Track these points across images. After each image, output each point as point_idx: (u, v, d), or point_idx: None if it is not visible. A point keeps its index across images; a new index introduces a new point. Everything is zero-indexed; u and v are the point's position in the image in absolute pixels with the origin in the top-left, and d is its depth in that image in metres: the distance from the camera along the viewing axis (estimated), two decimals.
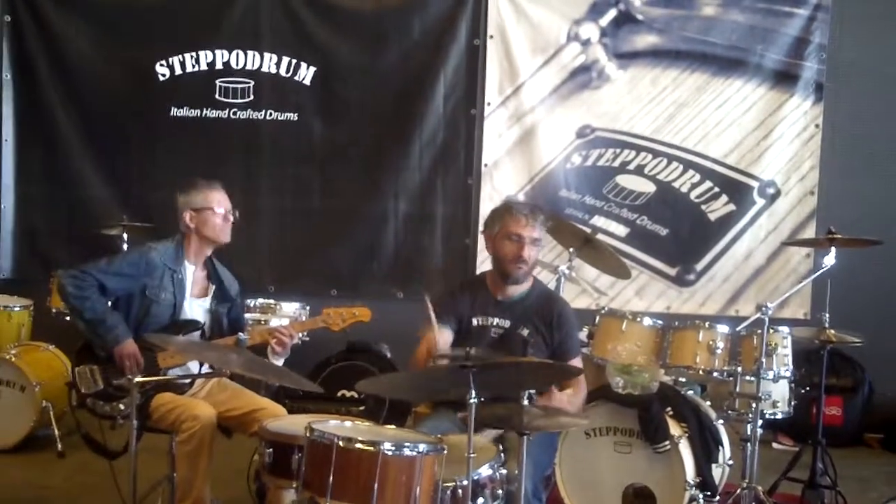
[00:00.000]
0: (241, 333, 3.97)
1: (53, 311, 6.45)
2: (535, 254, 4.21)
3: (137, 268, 4.36)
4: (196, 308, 4.48)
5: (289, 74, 7.49)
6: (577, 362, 4.29)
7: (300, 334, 4.47)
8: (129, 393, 3.63)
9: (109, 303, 4.38)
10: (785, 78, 7.22)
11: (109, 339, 4.25)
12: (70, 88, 7.58)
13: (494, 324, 4.24)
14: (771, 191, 7.30)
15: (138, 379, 3.64)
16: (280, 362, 4.25)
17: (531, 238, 4.15)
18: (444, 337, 4.15)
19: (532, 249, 4.18)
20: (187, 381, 4.36)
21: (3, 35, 7.59)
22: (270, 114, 7.51)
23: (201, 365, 4.26)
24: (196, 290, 4.51)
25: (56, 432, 5.94)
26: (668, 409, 4.83)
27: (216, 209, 4.47)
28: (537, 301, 4.29)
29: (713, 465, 4.81)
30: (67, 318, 6.33)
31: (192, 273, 4.50)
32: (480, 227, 7.12)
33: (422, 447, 3.24)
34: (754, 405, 4.86)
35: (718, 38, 7.27)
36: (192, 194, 4.50)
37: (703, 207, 7.34)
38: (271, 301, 6.35)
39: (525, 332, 4.20)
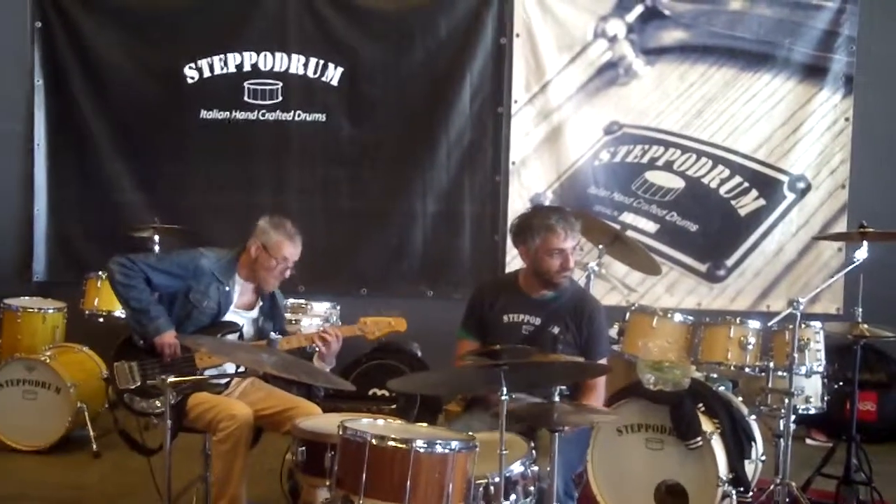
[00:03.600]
0: (272, 334, 4.00)
1: (87, 312, 6.52)
2: (575, 258, 4.25)
3: (186, 269, 4.41)
4: (239, 319, 4.52)
5: (316, 75, 7.52)
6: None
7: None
8: (164, 392, 3.67)
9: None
10: (814, 71, 7.17)
11: (151, 328, 4.31)
12: (100, 93, 7.64)
13: (525, 321, 4.25)
14: (801, 185, 7.26)
15: (172, 379, 3.67)
16: (327, 369, 4.28)
17: (572, 247, 4.18)
18: (468, 346, 4.28)
19: (574, 256, 4.21)
20: (223, 381, 4.40)
21: (35, 41, 7.66)
22: (299, 115, 7.54)
23: (237, 366, 4.29)
24: (243, 302, 4.56)
25: (91, 433, 6.01)
26: (700, 405, 4.81)
27: (280, 261, 4.48)
28: (570, 300, 4.29)
29: (746, 461, 4.79)
30: (101, 320, 6.44)
31: (241, 286, 4.54)
32: (509, 227, 7.17)
33: (454, 444, 3.25)
34: (787, 400, 4.85)
35: (746, 32, 7.22)
36: (272, 233, 4.50)
37: (733, 203, 7.30)
38: (302, 301, 6.38)
39: (555, 329, 4.20)
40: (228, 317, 4.48)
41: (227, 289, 4.46)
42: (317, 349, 4.31)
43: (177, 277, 4.40)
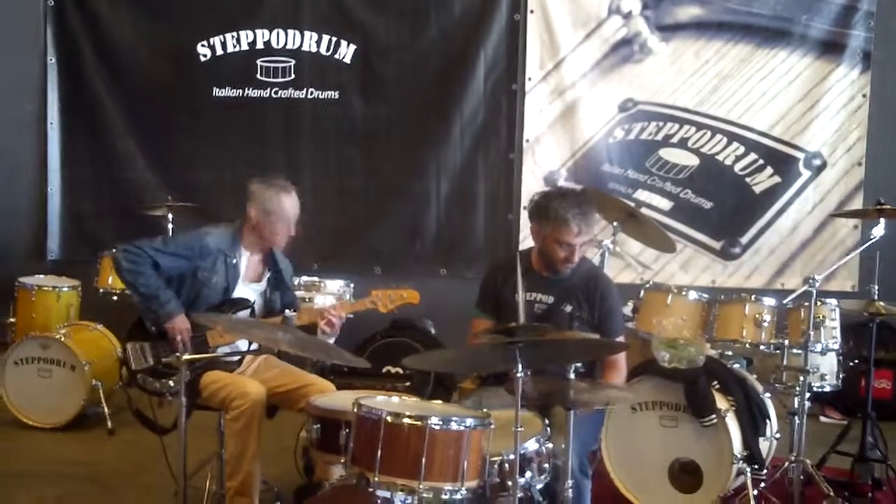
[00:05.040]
0: (287, 311, 3.99)
1: (101, 290, 6.55)
2: (584, 251, 4.22)
3: (192, 250, 4.39)
4: (249, 292, 4.51)
5: (329, 53, 7.49)
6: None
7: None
8: (179, 370, 3.67)
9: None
10: (831, 47, 7.11)
11: (162, 314, 4.31)
12: (113, 71, 7.66)
13: (538, 299, 4.23)
14: (817, 162, 7.21)
15: (187, 357, 3.67)
16: (331, 342, 4.28)
17: (582, 243, 4.15)
18: (483, 325, 4.26)
19: (583, 250, 4.19)
20: (236, 358, 4.40)
21: (47, 20, 7.67)
22: (311, 92, 7.53)
23: (250, 343, 4.29)
24: (250, 274, 4.54)
25: (106, 410, 6.03)
26: (715, 382, 4.80)
27: (282, 218, 4.46)
28: (582, 279, 4.27)
29: (760, 439, 4.78)
30: (115, 298, 6.46)
31: (247, 258, 4.52)
32: (523, 204, 7.18)
33: (469, 421, 3.25)
34: (802, 378, 4.84)
35: (762, 8, 7.17)
36: (268, 193, 4.46)
37: (748, 180, 7.27)
38: (315, 279, 6.38)
39: (568, 308, 4.19)
40: (238, 290, 4.47)
41: (235, 262, 4.45)
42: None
43: (183, 258, 4.39)
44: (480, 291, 4.39)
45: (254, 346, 4.26)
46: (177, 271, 4.41)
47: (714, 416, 4.62)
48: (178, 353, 3.70)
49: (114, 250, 4.41)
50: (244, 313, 4.42)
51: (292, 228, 4.52)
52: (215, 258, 4.41)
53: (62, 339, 6.07)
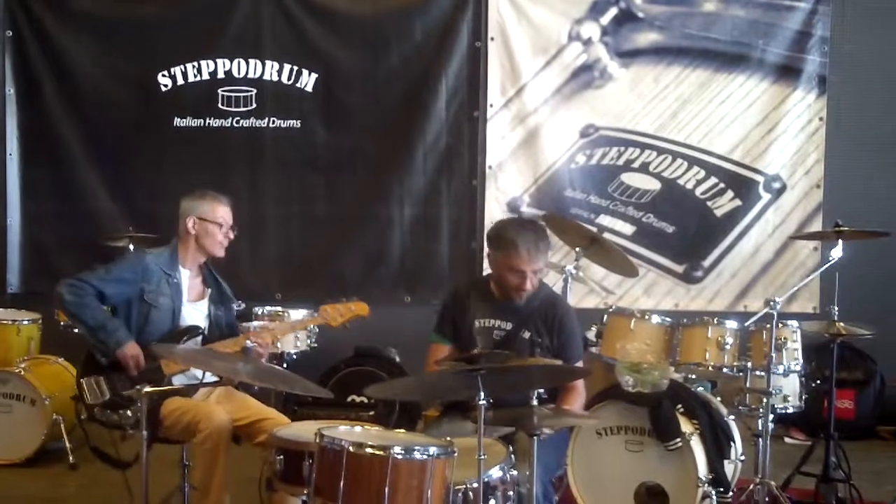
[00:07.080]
0: (248, 342, 3.97)
1: (62, 324, 6.45)
2: (537, 280, 4.20)
3: (135, 272, 4.40)
4: (194, 312, 4.51)
5: (291, 81, 7.49)
6: None
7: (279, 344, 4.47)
8: (138, 402, 3.63)
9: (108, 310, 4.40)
10: (788, 72, 7.21)
11: (111, 342, 4.27)
12: (73, 101, 7.59)
13: (496, 326, 4.23)
14: (777, 185, 7.29)
15: (147, 390, 3.63)
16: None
17: (533, 270, 4.13)
18: (442, 350, 4.25)
19: (534, 279, 4.16)
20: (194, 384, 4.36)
21: (5, 50, 7.61)
22: (273, 121, 7.52)
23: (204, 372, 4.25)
24: (192, 294, 4.55)
25: (67, 445, 5.96)
26: (679, 406, 4.81)
27: (220, 223, 4.52)
28: (541, 305, 4.26)
29: (725, 462, 4.79)
30: (76, 331, 6.35)
31: (188, 278, 4.53)
32: (486, 230, 7.18)
33: (432, 450, 3.23)
34: (765, 400, 4.86)
35: (720, 33, 7.26)
36: (200, 203, 4.55)
37: (709, 203, 7.33)
38: (279, 308, 6.34)
39: (527, 334, 4.19)
40: (185, 312, 4.47)
41: (177, 280, 4.47)
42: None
43: (128, 283, 4.38)
44: (439, 316, 4.37)
45: (212, 378, 4.23)
46: (123, 297, 4.39)
47: (679, 439, 4.62)
48: (138, 387, 3.66)
49: (57, 287, 4.35)
50: (196, 339, 4.40)
51: (230, 233, 4.55)
52: (159, 278, 4.41)
53: (22, 373, 6.00)
